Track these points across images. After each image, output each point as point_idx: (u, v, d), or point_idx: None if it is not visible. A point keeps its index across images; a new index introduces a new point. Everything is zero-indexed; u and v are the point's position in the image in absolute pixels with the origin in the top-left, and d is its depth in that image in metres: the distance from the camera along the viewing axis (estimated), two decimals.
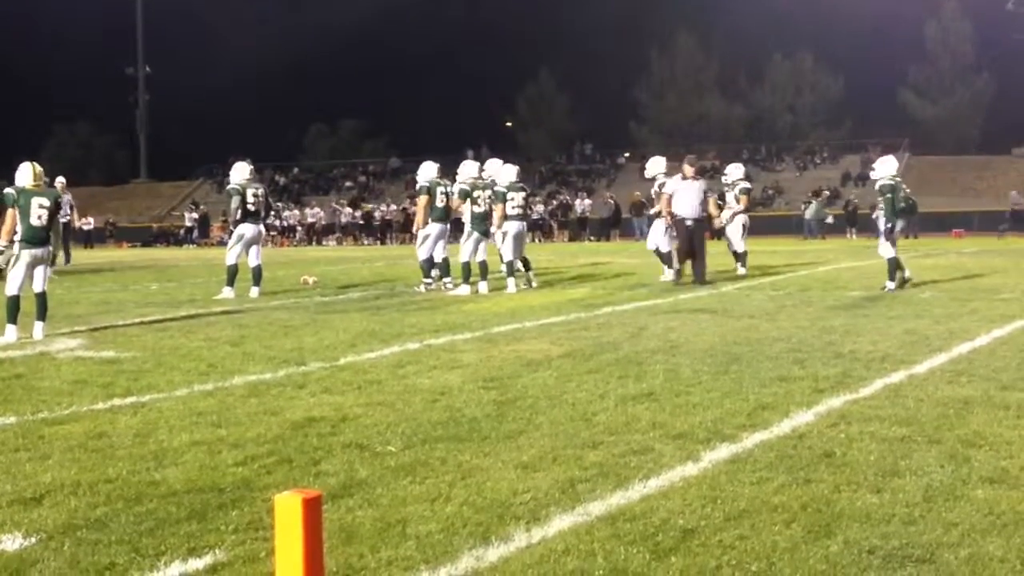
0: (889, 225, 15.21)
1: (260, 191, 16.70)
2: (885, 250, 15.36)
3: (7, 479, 5.38)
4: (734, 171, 20.82)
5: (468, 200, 16.68)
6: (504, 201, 16.86)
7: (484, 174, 17.82)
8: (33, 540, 4.42)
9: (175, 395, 7.69)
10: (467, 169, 17.22)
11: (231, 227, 16.84)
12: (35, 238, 11.29)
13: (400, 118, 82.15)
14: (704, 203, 17.28)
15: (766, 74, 75.14)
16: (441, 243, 17.41)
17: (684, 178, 17.21)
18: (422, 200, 17.50)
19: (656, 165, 19.03)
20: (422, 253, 17.27)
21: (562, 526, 4.50)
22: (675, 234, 17.13)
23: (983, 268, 20.16)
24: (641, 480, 5.17)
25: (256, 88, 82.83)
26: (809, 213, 46.70)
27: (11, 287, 11.25)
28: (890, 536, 4.29)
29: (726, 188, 20.60)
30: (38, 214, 11.26)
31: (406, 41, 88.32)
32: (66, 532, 4.51)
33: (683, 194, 17.07)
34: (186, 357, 9.60)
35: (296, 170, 75.82)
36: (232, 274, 16.22)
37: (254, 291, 16.06)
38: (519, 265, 17.73)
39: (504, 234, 17.02)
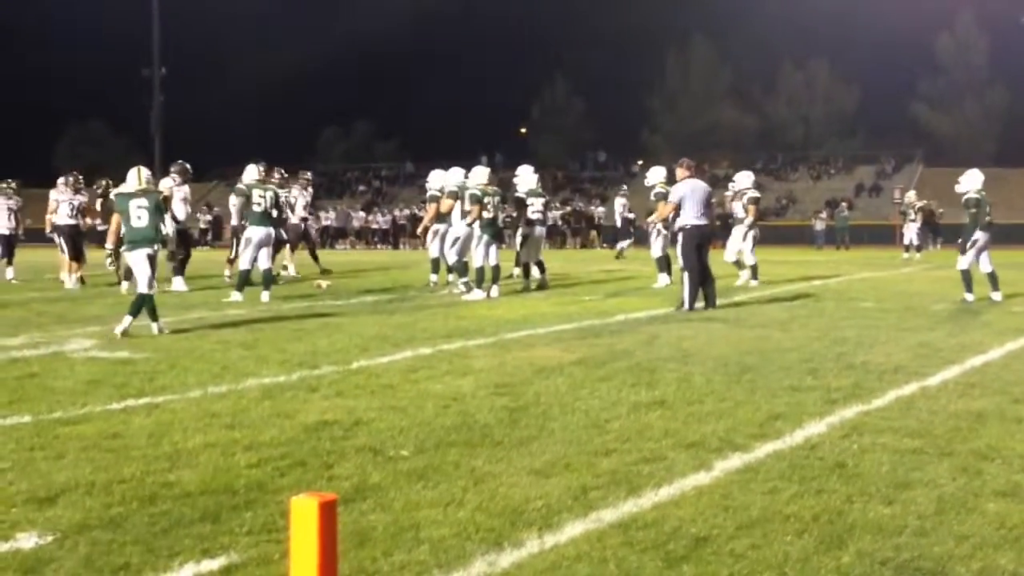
0: (974, 239, 15.30)
1: (269, 194, 16.36)
2: (962, 262, 15.45)
3: (22, 478, 5.41)
4: (743, 179, 20.11)
5: (479, 204, 16.68)
6: (524, 206, 17.29)
7: (515, 180, 18.94)
8: (48, 539, 4.45)
9: (189, 396, 7.72)
10: (478, 175, 17.26)
11: (234, 229, 17.05)
12: (138, 238, 11.84)
13: (414, 122, 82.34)
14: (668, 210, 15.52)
15: (780, 84, 75.09)
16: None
17: None
18: (447, 203, 17.49)
19: (656, 175, 19.25)
20: (451, 256, 17.40)
21: (574, 533, 4.51)
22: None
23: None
24: (653, 488, 5.18)
25: (270, 90, 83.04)
26: (820, 225, 46.75)
27: (141, 286, 11.78)
28: (902, 548, 4.30)
29: (732, 196, 20.31)
30: (137, 215, 11.82)
31: (422, 45, 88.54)
32: (81, 531, 4.54)
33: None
34: (200, 359, 9.64)
35: (310, 174, 75.90)
36: (243, 279, 16.14)
37: (264, 295, 15.88)
38: (520, 269, 18.15)
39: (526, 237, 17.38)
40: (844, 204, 50.97)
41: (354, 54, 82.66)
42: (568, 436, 6.36)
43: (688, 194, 14.43)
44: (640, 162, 67.93)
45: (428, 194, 19.25)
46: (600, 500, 4.99)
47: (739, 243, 19.37)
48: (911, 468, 5.54)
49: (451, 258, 17.47)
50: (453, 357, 9.76)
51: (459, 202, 17.16)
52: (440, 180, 18.66)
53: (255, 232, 16.10)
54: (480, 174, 17.27)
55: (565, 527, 4.59)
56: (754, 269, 19.24)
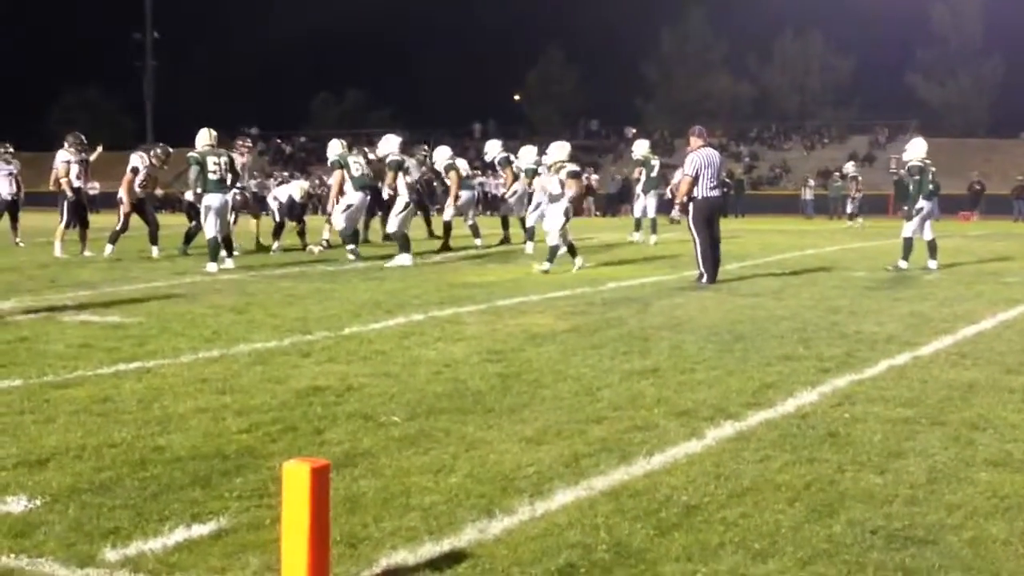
0: (918, 207, 15.36)
1: (223, 159, 16.11)
2: (907, 230, 15.53)
3: (12, 441, 5.39)
4: (557, 152, 16.04)
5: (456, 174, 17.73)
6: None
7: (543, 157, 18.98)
8: (38, 502, 4.43)
9: (180, 361, 7.70)
10: (442, 152, 18.27)
11: (192, 198, 17.18)
12: (216, 189, 15.55)
13: (408, 90, 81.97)
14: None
15: (775, 53, 74.84)
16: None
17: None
18: (338, 176, 18.34)
19: (640, 147, 19.59)
20: (346, 224, 17.89)
21: (565, 500, 4.51)
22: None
23: (989, 251, 20.14)
24: (645, 456, 5.17)
25: (264, 55, 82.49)
26: (809, 194, 46.89)
27: (209, 230, 14.95)
28: (893, 517, 4.30)
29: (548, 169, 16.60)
30: (212, 169, 15.61)
31: (416, 12, 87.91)
32: (71, 495, 4.52)
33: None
34: (191, 324, 9.61)
35: (303, 139, 75.55)
36: (213, 247, 15.63)
37: (228, 262, 15.70)
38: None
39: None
40: (837, 174, 50.92)
41: (349, 20, 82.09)
42: (560, 403, 6.36)
43: (704, 164, 13.80)
44: (633, 130, 67.70)
45: (438, 166, 20.29)
46: (591, 468, 4.98)
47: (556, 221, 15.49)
48: (903, 437, 5.54)
49: (347, 226, 17.86)
50: (445, 324, 9.74)
51: (342, 171, 18.10)
52: (444, 157, 19.64)
53: (212, 199, 15.78)
54: (444, 152, 18.28)
55: (556, 494, 4.58)
56: (572, 249, 15.70)
